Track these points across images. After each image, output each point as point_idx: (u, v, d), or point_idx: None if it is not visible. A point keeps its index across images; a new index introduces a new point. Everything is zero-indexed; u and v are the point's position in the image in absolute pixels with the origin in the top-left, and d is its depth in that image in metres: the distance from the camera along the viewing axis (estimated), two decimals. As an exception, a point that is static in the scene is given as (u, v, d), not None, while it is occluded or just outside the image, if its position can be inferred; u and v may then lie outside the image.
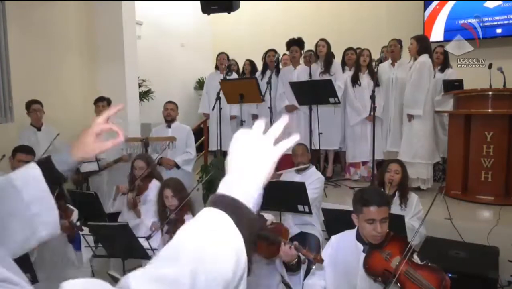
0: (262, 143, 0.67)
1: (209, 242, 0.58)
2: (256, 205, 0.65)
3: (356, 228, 2.02)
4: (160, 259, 0.58)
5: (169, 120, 4.38)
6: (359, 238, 1.99)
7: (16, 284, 0.50)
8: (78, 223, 2.47)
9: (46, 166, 0.99)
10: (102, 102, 4.44)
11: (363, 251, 1.94)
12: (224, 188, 0.66)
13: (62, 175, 1.02)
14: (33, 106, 4.15)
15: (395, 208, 2.85)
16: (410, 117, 4.33)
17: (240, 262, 0.59)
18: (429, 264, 1.87)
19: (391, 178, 2.90)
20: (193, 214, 2.83)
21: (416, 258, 1.92)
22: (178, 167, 4.28)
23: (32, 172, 0.97)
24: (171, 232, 2.67)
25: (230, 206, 0.62)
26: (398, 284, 1.80)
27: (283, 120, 0.69)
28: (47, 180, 0.97)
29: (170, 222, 2.72)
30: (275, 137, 0.68)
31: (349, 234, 2.05)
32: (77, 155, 1.03)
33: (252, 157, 0.67)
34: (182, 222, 2.71)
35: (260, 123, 0.69)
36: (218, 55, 5.62)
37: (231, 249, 0.58)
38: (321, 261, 1.72)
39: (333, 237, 2.13)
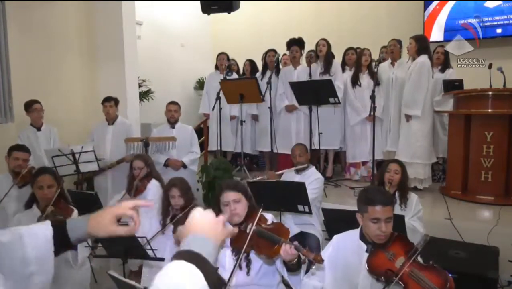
0: (217, 222, 0.88)
1: None
2: (215, 262, 0.80)
3: (359, 227, 2.02)
4: None
5: (173, 122, 4.38)
6: (362, 237, 1.98)
7: None
8: None
9: (59, 229, 1.00)
10: (109, 102, 4.42)
11: (366, 251, 1.94)
12: (190, 246, 0.78)
13: (71, 243, 1.02)
14: (34, 106, 4.13)
15: (395, 208, 2.84)
16: (408, 117, 4.33)
17: None
18: (433, 264, 1.86)
19: (391, 178, 2.91)
20: None
21: (419, 259, 1.92)
22: (185, 167, 4.30)
23: (43, 233, 0.98)
24: None
25: (198, 261, 0.74)
26: (401, 283, 1.79)
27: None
28: (55, 243, 0.98)
29: (177, 222, 2.71)
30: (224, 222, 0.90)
31: (352, 234, 2.05)
32: (92, 230, 1.03)
33: (211, 229, 0.84)
34: None
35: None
36: (218, 55, 5.62)
37: None
38: (321, 261, 1.72)
39: (335, 237, 2.13)
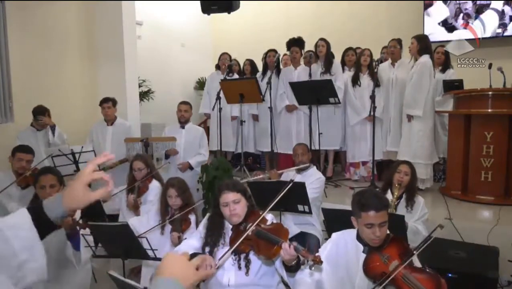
0: (188, 267, 0.90)
1: None
2: None
3: (356, 228, 2.02)
4: None
5: (183, 122, 4.42)
6: (359, 238, 1.98)
7: None
8: (81, 221, 2.46)
9: (37, 213, 0.99)
10: (107, 103, 4.41)
11: (363, 252, 1.94)
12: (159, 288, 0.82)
13: (53, 223, 1.01)
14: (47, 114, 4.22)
15: (401, 210, 2.84)
16: (410, 117, 4.33)
17: None
18: (427, 269, 1.86)
19: (401, 179, 2.89)
20: (196, 215, 2.84)
21: (415, 259, 1.91)
22: (191, 168, 4.32)
23: (22, 221, 0.97)
24: (179, 231, 2.67)
25: None
26: (395, 287, 1.79)
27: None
28: (38, 226, 0.97)
29: (174, 221, 2.72)
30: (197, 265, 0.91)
31: (350, 233, 2.05)
32: (68, 204, 1.02)
33: (182, 273, 0.87)
34: (187, 221, 2.73)
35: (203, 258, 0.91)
36: (220, 55, 5.62)
37: None
38: (320, 262, 1.71)
39: (334, 234, 2.12)
